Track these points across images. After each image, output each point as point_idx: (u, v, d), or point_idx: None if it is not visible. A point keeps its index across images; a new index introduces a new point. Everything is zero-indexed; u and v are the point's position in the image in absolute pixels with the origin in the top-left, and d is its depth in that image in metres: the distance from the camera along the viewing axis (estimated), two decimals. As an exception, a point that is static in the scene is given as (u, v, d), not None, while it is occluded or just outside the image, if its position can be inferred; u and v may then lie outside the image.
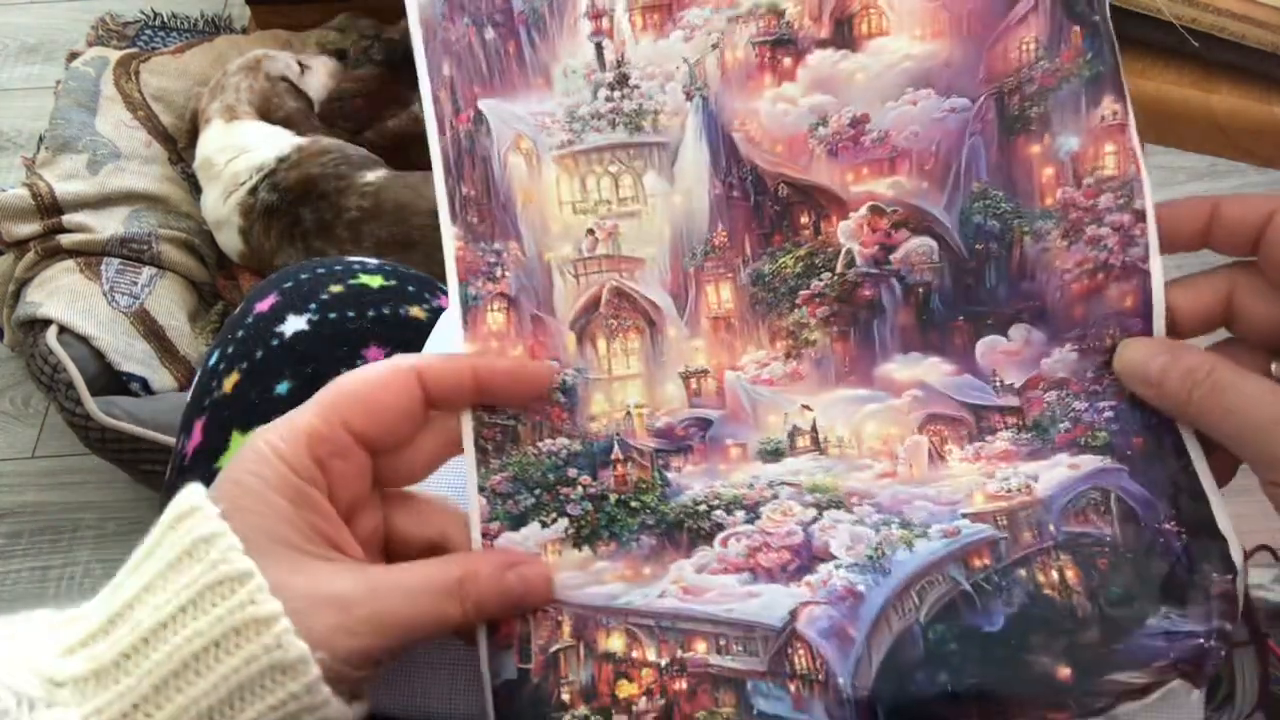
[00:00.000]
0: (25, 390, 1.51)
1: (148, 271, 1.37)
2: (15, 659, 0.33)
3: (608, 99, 0.44)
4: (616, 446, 0.43)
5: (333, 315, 0.56)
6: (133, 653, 0.34)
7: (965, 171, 0.43)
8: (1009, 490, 0.41)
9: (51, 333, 1.24)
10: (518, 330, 0.43)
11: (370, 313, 0.57)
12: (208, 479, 0.51)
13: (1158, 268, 0.42)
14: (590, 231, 0.44)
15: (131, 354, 1.29)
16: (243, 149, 1.38)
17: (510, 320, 0.43)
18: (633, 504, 0.43)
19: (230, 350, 0.56)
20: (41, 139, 1.45)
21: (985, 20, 0.43)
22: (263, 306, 0.57)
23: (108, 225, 1.37)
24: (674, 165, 0.44)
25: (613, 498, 0.43)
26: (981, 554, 0.41)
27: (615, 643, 0.41)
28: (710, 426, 0.43)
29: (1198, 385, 0.39)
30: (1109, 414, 0.42)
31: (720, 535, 0.42)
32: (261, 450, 0.38)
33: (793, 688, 0.40)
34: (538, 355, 0.43)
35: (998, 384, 0.43)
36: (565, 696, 0.41)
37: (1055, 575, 0.40)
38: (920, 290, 0.43)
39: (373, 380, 0.40)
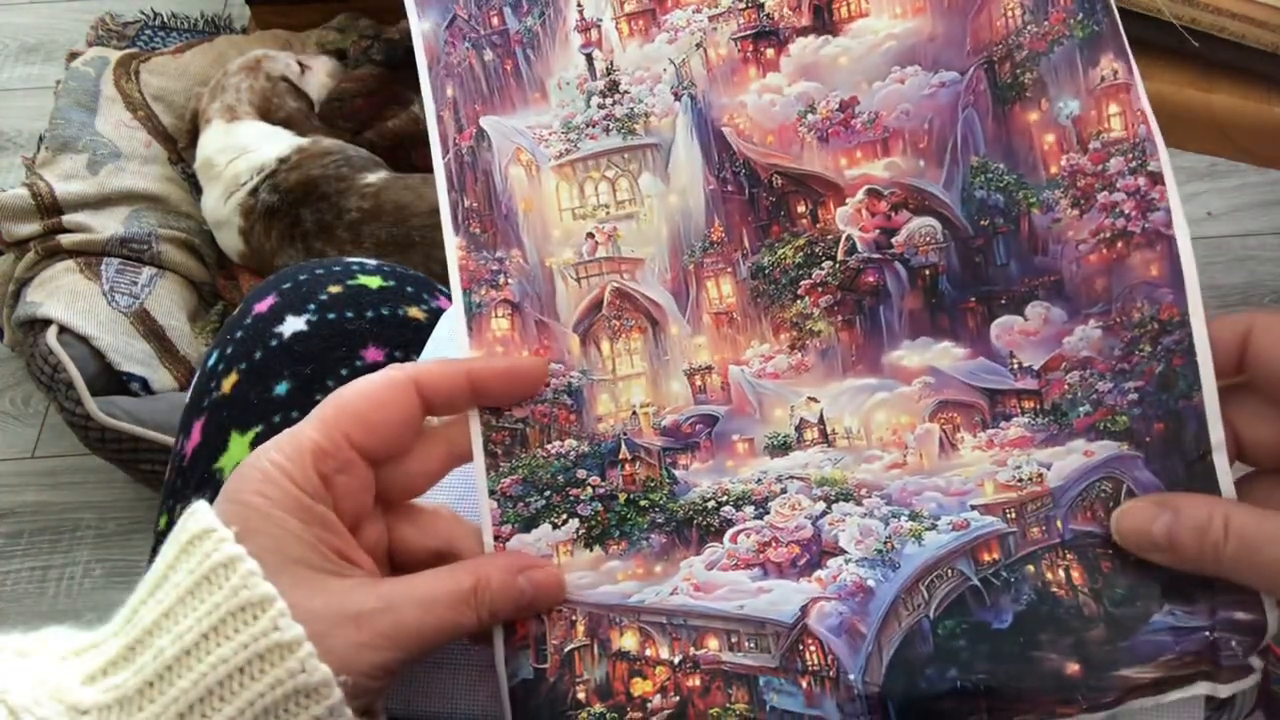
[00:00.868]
0: (25, 390, 1.51)
1: (148, 271, 1.37)
2: (37, 686, 0.33)
3: (600, 106, 0.44)
4: (624, 446, 0.43)
5: (331, 316, 0.56)
6: (157, 680, 0.34)
7: (962, 146, 0.42)
8: (1020, 480, 0.41)
9: (51, 333, 1.24)
10: (522, 335, 0.44)
11: (369, 313, 0.57)
12: (206, 480, 0.52)
13: (1184, 232, 0.40)
14: (590, 235, 0.44)
15: (131, 354, 1.29)
16: (243, 149, 1.38)
17: (514, 326, 0.44)
18: (642, 503, 0.43)
19: (229, 351, 0.56)
20: (41, 139, 1.45)
21: None
22: (261, 307, 0.57)
23: (108, 225, 1.37)
24: (668, 165, 0.44)
25: (622, 497, 0.43)
26: (990, 548, 0.41)
27: (629, 641, 0.41)
28: (716, 423, 0.43)
29: (1221, 544, 0.37)
30: (1134, 395, 0.40)
31: (730, 531, 0.42)
32: (267, 469, 0.38)
33: (804, 684, 0.40)
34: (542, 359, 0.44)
35: (1015, 366, 0.42)
36: (581, 695, 0.41)
37: (1062, 574, 0.40)
38: (927, 273, 0.42)
39: (370, 393, 0.40)
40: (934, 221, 0.42)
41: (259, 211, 1.34)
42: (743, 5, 0.44)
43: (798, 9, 0.44)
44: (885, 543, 0.41)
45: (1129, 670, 0.39)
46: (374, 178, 1.32)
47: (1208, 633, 0.39)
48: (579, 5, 0.45)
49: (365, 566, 0.40)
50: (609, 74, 0.44)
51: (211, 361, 0.57)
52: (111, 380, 1.27)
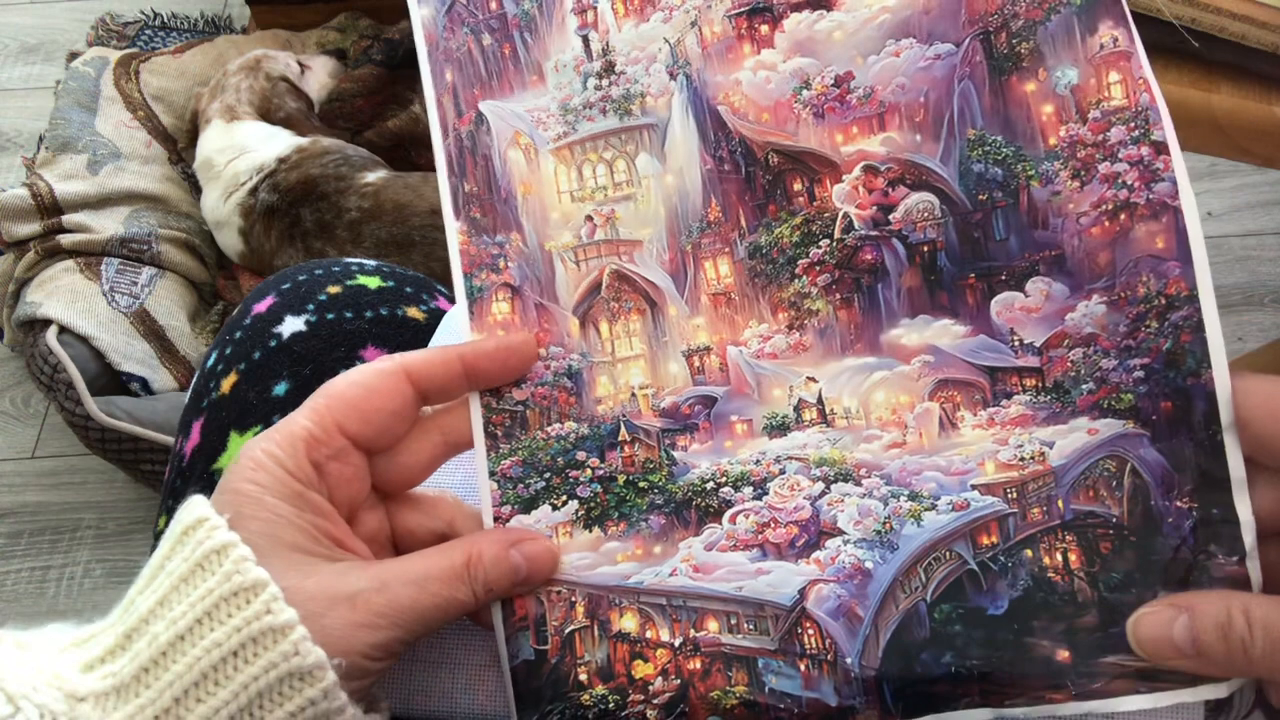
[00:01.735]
0: (25, 390, 1.51)
1: (148, 271, 1.37)
2: (37, 674, 0.34)
3: (597, 88, 0.44)
4: (623, 428, 0.43)
5: (330, 316, 0.56)
6: (152, 666, 0.34)
7: (959, 119, 0.42)
8: (1022, 459, 0.41)
9: (51, 333, 1.24)
10: (522, 318, 0.44)
11: (368, 313, 0.57)
12: (206, 480, 0.52)
13: (1190, 202, 0.39)
14: (589, 218, 0.44)
15: (131, 354, 1.29)
16: (243, 149, 1.38)
17: (515, 309, 0.44)
18: (641, 484, 0.43)
19: (228, 351, 0.56)
20: (41, 139, 1.46)
21: None
22: (260, 308, 0.57)
23: (108, 225, 1.37)
24: (664, 145, 0.44)
25: (621, 479, 0.43)
26: (990, 531, 0.40)
27: (629, 622, 0.42)
28: (715, 404, 0.43)
29: (1249, 640, 0.35)
30: (1139, 373, 0.40)
31: (729, 512, 0.42)
32: (259, 458, 0.38)
33: (803, 666, 0.40)
34: (542, 342, 0.44)
35: (1016, 343, 0.41)
36: (583, 677, 0.41)
37: (1059, 558, 0.40)
38: (925, 249, 0.42)
39: (362, 383, 0.41)
40: (931, 197, 0.42)
41: (259, 211, 1.34)
42: None
43: None
44: (884, 523, 0.41)
45: (1116, 657, 0.39)
46: (374, 177, 1.32)
47: None
48: None
49: (359, 552, 0.40)
50: (605, 55, 0.44)
51: (211, 362, 0.57)
52: (111, 380, 1.27)
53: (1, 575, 1.37)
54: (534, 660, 0.42)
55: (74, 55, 1.57)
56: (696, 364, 0.43)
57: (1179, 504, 0.39)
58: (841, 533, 0.41)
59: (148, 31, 1.74)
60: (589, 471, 0.43)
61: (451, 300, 0.62)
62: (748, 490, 0.42)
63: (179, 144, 1.52)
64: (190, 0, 1.82)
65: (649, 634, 0.41)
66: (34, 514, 1.42)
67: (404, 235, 1.26)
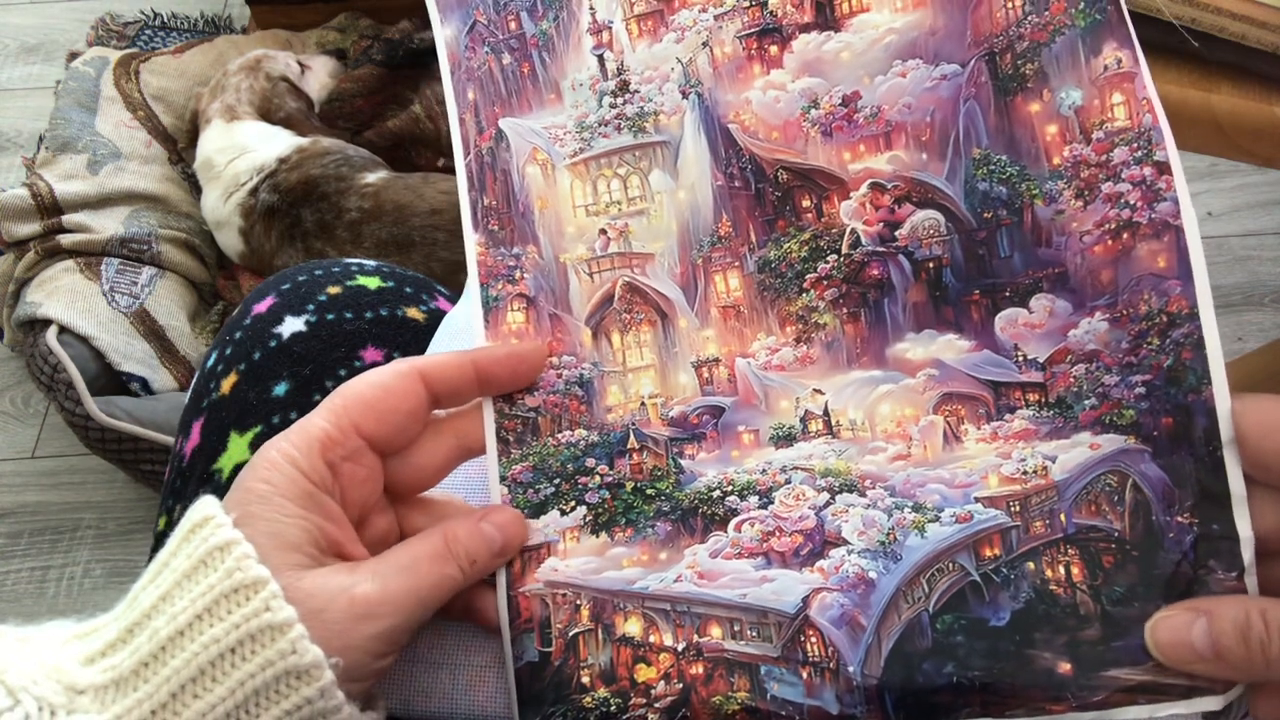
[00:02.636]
0: (25, 390, 1.51)
1: (148, 271, 1.37)
2: (37, 667, 0.34)
3: (612, 105, 0.46)
4: (632, 436, 0.44)
5: (330, 316, 0.56)
6: (151, 660, 0.35)
7: (964, 138, 0.43)
8: (1025, 473, 0.41)
9: (51, 333, 1.24)
10: (536, 328, 0.45)
11: (368, 314, 0.57)
12: (206, 480, 0.52)
13: (1191, 222, 0.40)
14: (603, 231, 0.45)
15: (131, 354, 1.29)
16: (243, 149, 1.38)
17: (529, 319, 0.45)
18: (648, 491, 0.43)
19: (228, 352, 0.56)
20: (41, 139, 1.45)
21: None
22: (260, 308, 0.57)
23: (108, 225, 1.37)
24: (677, 162, 0.45)
25: (629, 485, 0.44)
26: (992, 543, 0.41)
27: (633, 627, 0.42)
28: (723, 414, 0.44)
29: (1268, 641, 0.36)
30: (1141, 389, 0.40)
31: (734, 520, 0.43)
32: (273, 457, 0.39)
33: (805, 674, 0.41)
34: (555, 351, 0.45)
35: (1020, 359, 0.42)
36: (586, 679, 0.42)
37: (1062, 571, 0.40)
38: (931, 265, 0.43)
39: (379, 383, 0.41)
40: (937, 214, 0.43)
41: (259, 211, 1.34)
42: (747, 3, 0.45)
43: (800, 6, 0.44)
44: (888, 534, 0.42)
45: (1119, 671, 0.39)
46: (374, 177, 1.32)
47: None
48: (591, 8, 0.46)
49: (359, 559, 0.40)
50: (620, 74, 0.46)
51: (210, 362, 0.57)
52: (111, 380, 1.27)
53: (1, 575, 1.37)
54: (538, 662, 0.42)
55: (74, 55, 1.57)
56: (705, 375, 0.44)
57: (1180, 519, 0.39)
58: (845, 542, 0.42)
59: (148, 31, 1.74)
60: (598, 478, 0.44)
61: (451, 301, 0.62)
62: (753, 499, 0.43)
63: (179, 144, 1.52)
64: (190, 0, 1.82)
65: (652, 638, 0.42)
66: (34, 514, 1.42)
67: (404, 236, 1.27)
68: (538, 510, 0.44)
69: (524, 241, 0.45)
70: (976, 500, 0.41)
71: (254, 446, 0.52)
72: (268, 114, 1.44)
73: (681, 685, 0.41)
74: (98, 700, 0.34)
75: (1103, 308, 0.41)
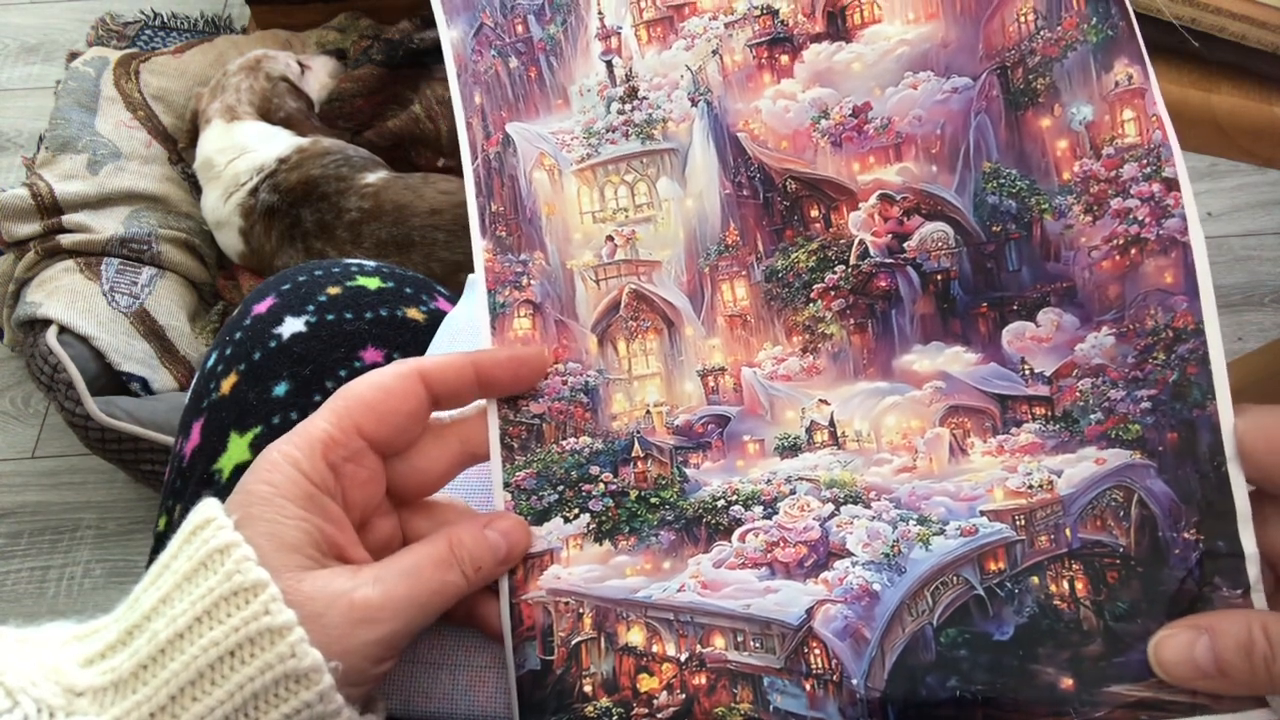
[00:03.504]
0: (25, 390, 1.51)
1: (148, 271, 1.37)
2: (36, 668, 0.34)
3: (620, 112, 0.45)
4: (637, 444, 0.44)
5: (330, 317, 0.56)
6: (150, 663, 0.35)
7: (974, 151, 0.43)
8: (1030, 487, 0.41)
9: (51, 333, 1.24)
10: (543, 334, 0.45)
11: (368, 314, 0.57)
12: (206, 481, 0.52)
13: (1199, 238, 0.40)
14: (609, 238, 0.45)
15: (131, 354, 1.29)
16: (243, 149, 1.38)
17: (535, 325, 0.45)
18: (653, 500, 0.43)
19: (228, 352, 0.56)
20: (41, 139, 1.45)
21: None
22: (260, 308, 0.57)
23: (108, 225, 1.37)
24: (685, 169, 0.45)
25: (633, 494, 0.43)
26: (997, 557, 0.41)
27: (635, 636, 0.42)
28: (728, 423, 0.44)
29: (1270, 658, 0.36)
30: (1146, 404, 0.40)
31: (738, 531, 0.43)
32: (275, 459, 0.39)
33: (808, 686, 0.40)
34: (560, 358, 0.45)
35: (1027, 372, 0.42)
36: (588, 688, 0.42)
37: (1066, 586, 0.40)
38: (939, 278, 0.43)
39: (380, 384, 0.41)
40: (946, 227, 0.43)
41: (259, 211, 1.34)
42: (758, 12, 0.45)
43: (812, 15, 0.44)
44: (892, 546, 0.41)
45: (1121, 687, 0.39)
46: (374, 178, 1.32)
47: None
48: (600, 13, 0.46)
49: (360, 561, 0.40)
50: (628, 80, 0.45)
51: (210, 362, 0.57)
52: (111, 380, 1.27)
53: (1, 575, 1.37)
54: (540, 670, 0.42)
55: (74, 55, 1.57)
56: (711, 384, 0.44)
57: (1185, 535, 0.39)
58: (850, 554, 0.42)
59: (148, 31, 1.73)
60: (602, 486, 0.44)
61: (451, 301, 0.62)
62: (758, 509, 0.43)
63: (179, 144, 1.51)
64: (190, 0, 1.82)
65: (655, 648, 0.42)
66: (34, 514, 1.42)
67: (404, 236, 1.26)
68: (541, 517, 0.43)
69: (531, 248, 0.45)
70: (982, 514, 0.41)
71: (254, 447, 0.52)
72: (268, 114, 1.44)
73: (684, 696, 0.41)
74: (96, 702, 0.34)
75: (1109, 322, 0.41)
